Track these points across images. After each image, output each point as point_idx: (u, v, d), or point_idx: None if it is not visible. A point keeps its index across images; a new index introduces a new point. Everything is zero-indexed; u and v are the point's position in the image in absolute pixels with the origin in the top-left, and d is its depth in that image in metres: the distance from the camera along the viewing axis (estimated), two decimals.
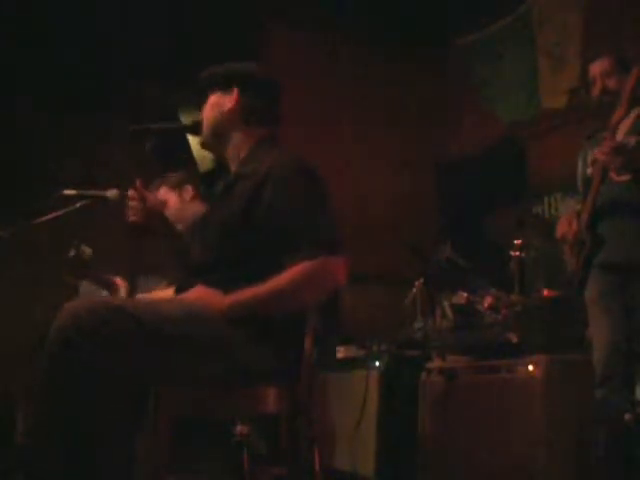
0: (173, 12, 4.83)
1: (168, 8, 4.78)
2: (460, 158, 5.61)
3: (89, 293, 3.09)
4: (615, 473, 2.73)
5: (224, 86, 2.17)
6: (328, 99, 5.47)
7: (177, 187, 3.11)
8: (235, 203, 2.04)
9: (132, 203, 2.23)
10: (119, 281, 2.90)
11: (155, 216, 2.29)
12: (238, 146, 2.17)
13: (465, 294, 3.62)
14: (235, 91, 2.15)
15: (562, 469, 2.75)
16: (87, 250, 2.85)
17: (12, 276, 4.63)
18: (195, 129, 2.22)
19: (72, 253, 2.82)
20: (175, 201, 3.10)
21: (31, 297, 4.59)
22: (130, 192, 2.24)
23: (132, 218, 2.22)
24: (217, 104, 2.17)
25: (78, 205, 2.70)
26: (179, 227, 3.03)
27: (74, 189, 2.68)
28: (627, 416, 2.70)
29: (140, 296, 2.87)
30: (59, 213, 2.73)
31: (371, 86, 5.63)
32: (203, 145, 2.23)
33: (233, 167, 2.20)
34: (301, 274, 1.90)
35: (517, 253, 3.49)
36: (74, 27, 4.69)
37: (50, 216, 2.73)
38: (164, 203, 3.09)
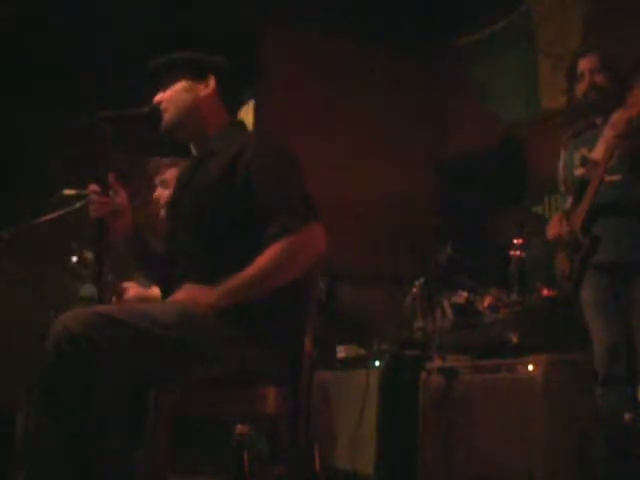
0: (172, 14, 4.82)
1: (167, 11, 4.77)
2: (460, 158, 5.60)
3: (90, 294, 3.08)
4: (615, 473, 2.73)
5: (196, 73, 2.19)
6: (327, 99, 5.47)
7: None
8: (208, 177, 2.04)
9: (93, 197, 2.12)
10: (126, 284, 2.88)
11: (121, 211, 2.15)
12: (208, 128, 2.17)
13: (465, 294, 3.63)
14: (212, 79, 2.19)
15: (562, 469, 2.75)
16: (89, 255, 2.84)
17: (12, 276, 4.63)
18: (153, 115, 2.17)
19: (74, 259, 2.80)
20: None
21: (31, 297, 4.59)
22: (91, 187, 2.14)
23: (94, 214, 2.12)
24: (190, 90, 2.17)
25: (78, 205, 2.70)
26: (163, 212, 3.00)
27: (74, 189, 2.68)
28: (627, 416, 2.71)
29: (128, 290, 2.87)
30: (59, 213, 2.73)
31: (371, 86, 5.63)
32: (166, 130, 2.17)
33: (200, 147, 2.20)
34: (283, 250, 1.90)
35: (517, 253, 3.49)
36: (73, 28, 4.69)
37: (50, 216, 2.73)
38: (165, 182, 3.02)
